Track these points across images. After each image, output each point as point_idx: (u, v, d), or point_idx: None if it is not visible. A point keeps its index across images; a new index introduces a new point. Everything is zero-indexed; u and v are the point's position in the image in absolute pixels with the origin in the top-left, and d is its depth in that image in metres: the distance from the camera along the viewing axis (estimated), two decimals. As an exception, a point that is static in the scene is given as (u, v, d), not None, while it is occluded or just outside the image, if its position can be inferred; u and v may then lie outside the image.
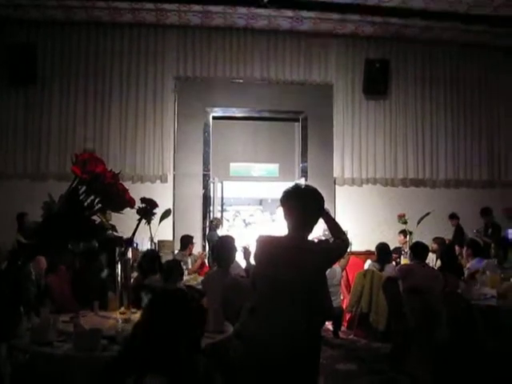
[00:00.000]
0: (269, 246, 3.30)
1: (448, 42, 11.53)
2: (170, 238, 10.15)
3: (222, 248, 5.33)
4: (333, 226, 3.41)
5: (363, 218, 10.86)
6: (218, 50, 11.05)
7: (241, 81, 11.23)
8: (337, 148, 11.38)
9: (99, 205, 1.69)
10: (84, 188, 1.66)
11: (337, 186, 11.36)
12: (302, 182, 11.18)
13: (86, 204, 1.65)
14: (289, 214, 3.28)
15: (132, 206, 1.78)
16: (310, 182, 10.92)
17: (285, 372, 3.01)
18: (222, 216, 11.17)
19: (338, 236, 3.35)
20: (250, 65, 11.15)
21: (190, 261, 8.35)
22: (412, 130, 11.66)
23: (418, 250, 6.38)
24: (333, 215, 10.45)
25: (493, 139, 11.94)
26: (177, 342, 2.04)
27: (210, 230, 9.96)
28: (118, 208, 1.73)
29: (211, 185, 11.08)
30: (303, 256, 3.14)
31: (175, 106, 11.07)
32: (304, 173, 11.44)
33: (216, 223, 9.88)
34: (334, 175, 11.35)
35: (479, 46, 11.57)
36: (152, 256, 5.89)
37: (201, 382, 2.14)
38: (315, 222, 3.33)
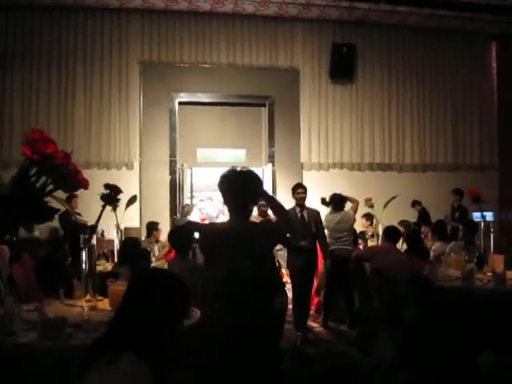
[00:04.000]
0: (213, 234, 3.36)
1: (413, 27, 11.63)
2: (137, 225, 10.08)
3: (178, 234, 5.38)
4: (275, 205, 3.46)
5: (331, 203, 10.89)
6: (183, 34, 10.96)
7: (207, 65, 11.15)
8: (304, 133, 11.42)
9: (51, 186, 1.64)
10: (35, 169, 1.61)
11: (304, 171, 11.40)
12: (269, 167, 11.19)
13: (37, 185, 1.61)
14: (228, 199, 3.33)
15: (86, 187, 1.74)
16: (277, 167, 10.96)
17: (247, 345, 3.10)
18: (191, 202, 11.10)
19: (281, 215, 3.39)
20: (216, 49, 11.08)
21: (156, 248, 8.30)
22: (378, 114, 11.76)
23: (391, 233, 6.44)
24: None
25: (457, 123, 12.12)
26: (157, 321, 1.97)
27: (181, 216, 9.89)
28: (71, 189, 1.70)
29: (179, 171, 11.01)
30: (249, 237, 3.20)
31: (140, 92, 10.94)
32: (271, 158, 11.44)
33: (187, 210, 9.82)
34: (302, 160, 11.39)
35: (444, 31, 11.71)
36: (133, 244, 5.84)
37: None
38: (254, 203, 3.47)
